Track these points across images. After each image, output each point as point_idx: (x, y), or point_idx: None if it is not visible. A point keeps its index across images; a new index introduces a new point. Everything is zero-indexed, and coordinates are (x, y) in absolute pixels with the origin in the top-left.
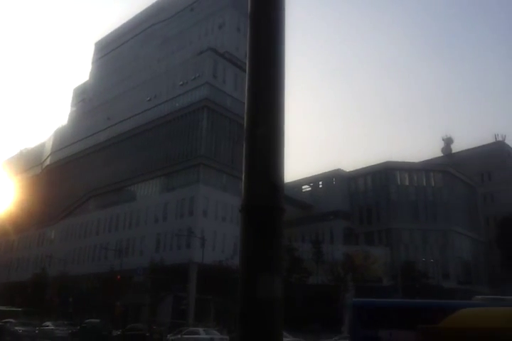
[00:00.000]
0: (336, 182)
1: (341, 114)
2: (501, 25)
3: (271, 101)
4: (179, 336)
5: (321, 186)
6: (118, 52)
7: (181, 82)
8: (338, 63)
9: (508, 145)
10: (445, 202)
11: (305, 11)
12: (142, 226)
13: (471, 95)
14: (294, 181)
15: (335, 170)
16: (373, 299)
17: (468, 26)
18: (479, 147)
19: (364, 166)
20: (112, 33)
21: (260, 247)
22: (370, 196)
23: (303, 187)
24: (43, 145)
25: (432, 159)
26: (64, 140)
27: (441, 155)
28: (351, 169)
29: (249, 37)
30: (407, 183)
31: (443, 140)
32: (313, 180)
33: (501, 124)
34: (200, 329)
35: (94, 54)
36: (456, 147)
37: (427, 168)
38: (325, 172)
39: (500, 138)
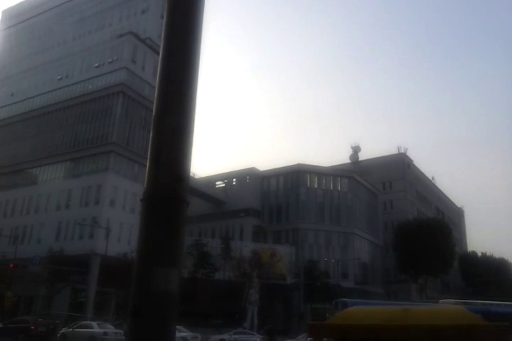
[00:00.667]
0: (250, 181)
1: (261, 115)
2: (405, 45)
3: (183, 91)
4: (70, 330)
5: (234, 183)
6: (29, 24)
7: (97, 64)
8: (261, 64)
9: (408, 158)
10: (349, 206)
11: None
12: (42, 213)
13: (382, 108)
14: (209, 176)
15: (249, 169)
16: (358, 299)
17: (379, 43)
18: (383, 157)
19: (277, 167)
20: (24, 1)
21: (159, 239)
22: (281, 196)
23: (217, 183)
24: None
25: (340, 165)
26: None
27: (349, 161)
28: (265, 168)
29: (165, 24)
30: (315, 186)
31: (351, 148)
32: (227, 177)
33: (405, 138)
34: (94, 323)
35: (0, 22)
36: (363, 155)
37: (334, 172)
38: (239, 170)
39: (402, 151)
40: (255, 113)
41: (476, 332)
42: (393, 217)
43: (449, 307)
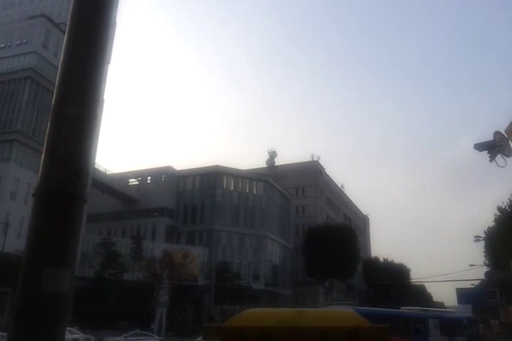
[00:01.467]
0: (165, 179)
1: (181, 115)
2: (323, 55)
3: (86, 81)
4: None
5: (149, 181)
6: None
7: (3, 45)
8: (184, 61)
9: (321, 165)
10: (263, 209)
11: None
12: None
13: (299, 117)
14: (121, 173)
15: (165, 167)
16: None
17: (295, 52)
18: (298, 163)
19: (194, 167)
20: None
21: (50, 238)
22: (197, 196)
23: (130, 180)
24: None
25: (256, 169)
26: None
27: (265, 166)
28: (182, 168)
29: (71, 11)
30: (232, 188)
31: (268, 152)
32: (141, 174)
33: (318, 146)
34: None
35: None
36: (279, 160)
37: (251, 176)
38: (155, 168)
39: (315, 158)
40: (175, 111)
41: (362, 332)
42: (304, 221)
43: (340, 310)
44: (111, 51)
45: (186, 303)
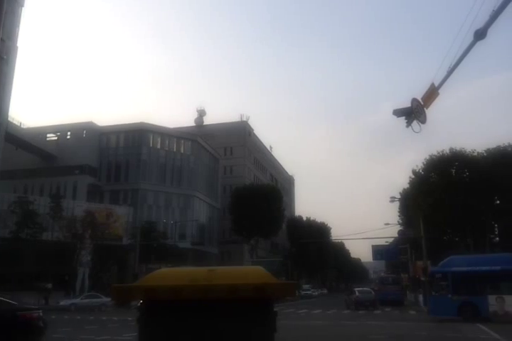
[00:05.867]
0: (87, 135)
1: (105, 68)
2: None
3: None
4: None
5: (69, 137)
6: None
7: None
8: (112, 16)
9: (250, 126)
10: (191, 168)
11: None
12: None
13: (230, 76)
14: (38, 127)
15: (87, 122)
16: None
17: (227, 11)
18: (227, 123)
19: (118, 123)
20: None
21: None
22: (121, 154)
23: (48, 135)
24: None
25: (184, 127)
26: None
27: (194, 125)
28: (105, 124)
29: None
30: (158, 146)
31: (197, 111)
32: (60, 130)
33: (248, 107)
34: None
35: None
36: (208, 120)
37: (179, 134)
38: (75, 123)
39: (245, 119)
40: (98, 64)
41: (268, 288)
42: (232, 181)
43: (249, 268)
44: None
45: (110, 263)
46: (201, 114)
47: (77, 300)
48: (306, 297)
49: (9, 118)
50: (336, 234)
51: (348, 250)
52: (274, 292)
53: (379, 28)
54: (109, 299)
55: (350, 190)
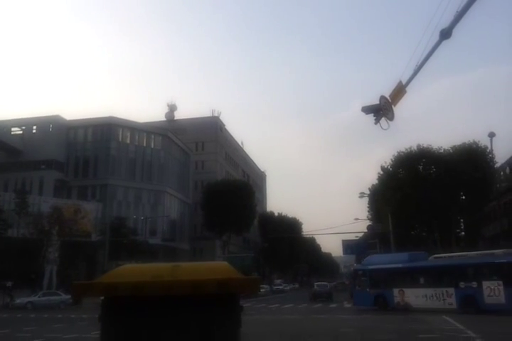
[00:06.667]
0: (53, 129)
1: (72, 60)
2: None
3: None
4: None
5: (34, 131)
6: None
7: None
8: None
9: (221, 121)
10: (162, 164)
11: None
12: None
13: (201, 70)
14: (2, 121)
15: (53, 116)
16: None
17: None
18: (198, 118)
19: (86, 117)
20: None
21: None
22: (90, 149)
23: (12, 129)
24: None
25: (155, 122)
26: None
27: (164, 119)
28: (72, 118)
29: None
30: (128, 141)
31: (168, 105)
32: (25, 123)
33: (219, 102)
34: None
35: None
36: (179, 114)
37: (149, 129)
38: (41, 117)
39: (216, 114)
40: (66, 57)
41: (231, 283)
42: (203, 177)
43: (214, 263)
44: None
45: (79, 260)
46: (172, 108)
47: (35, 298)
48: (278, 292)
49: None
50: (308, 229)
51: (319, 245)
52: (238, 287)
53: (350, 26)
54: (68, 297)
55: (321, 186)
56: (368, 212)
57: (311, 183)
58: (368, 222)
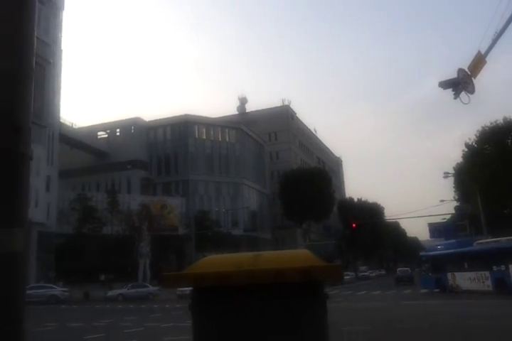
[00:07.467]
0: (135, 131)
1: (148, 64)
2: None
3: (18, 29)
4: None
5: (118, 134)
6: None
7: None
8: (148, 11)
9: (292, 110)
10: (237, 156)
11: None
12: None
13: (269, 62)
14: (89, 126)
15: (134, 119)
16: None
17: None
18: (269, 109)
19: (164, 117)
20: None
21: None
22: (169, 147)
23: (99, 133)
24: None
25: (228, 116)
26: None
27: (236, 113)
28: (151, 119)
29: None
30: (204, 137)
31: (239, 99)
32: (110, 127)
33: (288, 91)
34: None
35: None
36: (250, 107)
37: (222, 124)
38: (123, 120)
39: (286, 103)
40: (140, 60)
41: (314, 271)
42: (279, 166)
43: (296, 251)
44: None
45: (168, 253)
46: (243, 101)
47: (124, 291)
48: (364, 278)
49: (61, 120)
50: (389, 213)
51: (403, 229)
52: (321, 275)
53: (417, 1)
54: (156, 288)
55: (400, 168)
56: (455, 192)
57: (389, 166)
58: (455, 203)
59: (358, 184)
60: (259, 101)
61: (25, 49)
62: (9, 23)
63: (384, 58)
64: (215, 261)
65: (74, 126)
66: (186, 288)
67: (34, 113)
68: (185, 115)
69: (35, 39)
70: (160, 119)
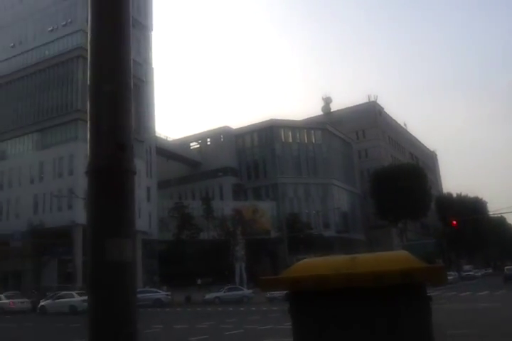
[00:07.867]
0: (224, 139)
1: (231, 73)
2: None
3: (117, 56)
4: (50, 301)
5: (209, 143)
6: None
7: (51, 28)
8: (227, 20)
9: (379, 105)
10: (325, 157)
11: None
12: (16, 188)
13: (350, 59)
14: (182, 138)
15: (222, 127)
16: None
17: None
18: (354, 106)
19: (250, 124)
20: None
21: (107, 211)
22: (257, 152)
23: (191, 144)
24: None
25: (312, 117)
26: None
27: (321, 113)
28: (238, 126)
29: None
30: (290, 140)
31: (323, 99)
32: (201, 137)
33: (374, 86)
34: (74, 293)
35: None
36: (335, 106)
37: (308, 125)
38: (212, 130)
39: (372, 99)
40: (224, 72)
41: (416, 274)
42: (369, 165)
43: (393, 253)
44: (151, 18)
45: (262, 256)
46: (327, 101)
47: (221, 294)
48: (468, 278)
49: (156, 134)
50: (493, 208)
51: (510, 224)
52: (423, 277)
53: None
54: (250, 291)
55: (502, 159)
56: None
57: (489, 157)
58: None
59: (457, 178)
60: (344, 99)
61: (124, 73)
62: (110, 52)
63: (476, 41)
64: (311, 264)
65: (168, 139)
66: (275, 292)
67: (133, 129)
68: (271, 120)
69: (131, 63)
70: (246, 126)
